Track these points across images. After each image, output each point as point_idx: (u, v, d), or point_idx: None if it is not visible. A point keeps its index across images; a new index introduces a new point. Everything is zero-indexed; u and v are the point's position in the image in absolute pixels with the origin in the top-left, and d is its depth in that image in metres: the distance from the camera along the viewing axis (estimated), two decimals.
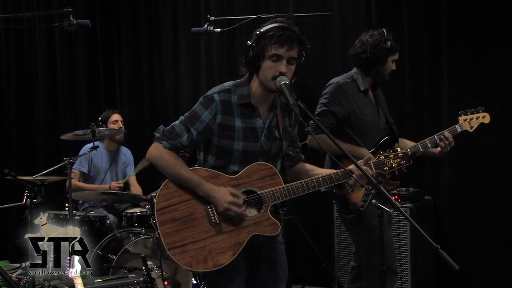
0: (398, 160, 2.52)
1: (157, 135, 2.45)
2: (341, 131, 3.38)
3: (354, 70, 3.48)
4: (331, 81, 3.48)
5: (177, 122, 2.45)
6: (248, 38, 2.39)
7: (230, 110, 2.40)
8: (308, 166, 2.66)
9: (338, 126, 3.37)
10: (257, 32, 2.35)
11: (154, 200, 2.41)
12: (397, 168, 2.52)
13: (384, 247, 3.23)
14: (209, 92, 2.43)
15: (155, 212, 2.38)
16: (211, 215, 2.40)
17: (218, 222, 2.40)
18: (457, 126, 3.36)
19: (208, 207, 2.41)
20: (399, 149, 2.54)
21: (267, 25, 2.36)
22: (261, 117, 2.45)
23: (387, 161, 2.51)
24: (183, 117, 2.44)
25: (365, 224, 3.31)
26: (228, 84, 2.46)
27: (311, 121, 3.28)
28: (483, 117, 3.39)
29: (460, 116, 3.39)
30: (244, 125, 2.41)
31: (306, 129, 3.14)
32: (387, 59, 3.38)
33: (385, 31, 3.38)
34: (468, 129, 3.38)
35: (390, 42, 3.34)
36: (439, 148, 3.33)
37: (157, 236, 2.39)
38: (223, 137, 2.41)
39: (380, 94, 3.57)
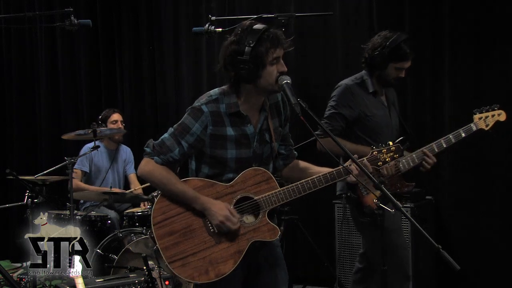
0: (391, 154, 2.49)
1: (148, 150, 2.43)
2: (352, 133, 3.30)
3: (363, 71, 3.40)
4: (339, 83, 3.39)
5: (166, 135, 2.42)
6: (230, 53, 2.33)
7: (220, 120, 2.38)
8: (303, 163, 2.65)
9: (349, 128, 3.30)
10: (248, 46, 2.28)
11: (156, 200, 2.41)
12: (391, 161, 2.50)
13: (399, 251, 3.21)
14: (196, 104, 2.40)
15: (152, 226, 2.36)
16: (209, 225, 2.39)
17: (216, 231, 2.39)
18: (472, 124, 3.28)
19: (205, 217, 2.40)
20: (390, 143, 2.52)
21: (249, 33, 2.31)
22: (251, 123, 2.43)
23: (380, 156, 2.48)
24: (173, 130, 2.41)
25: (380, 227, 3.22)
26: (214, 93, 2.42)
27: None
28: (499, 114, 3.31)
29: (475, 114, 3.31)
30: (235, 133, 2.40)
31: (316, 132, 3.16)
32: (387, 65, 3.25)
33: (394, 36, 3.23)
34: (484, 127, 3.30)
35: (390, 49, 3.20)
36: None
37: (156, 249, 2.37)
38: (215, 147, 2.39)
39: (391, 94, 3.48)
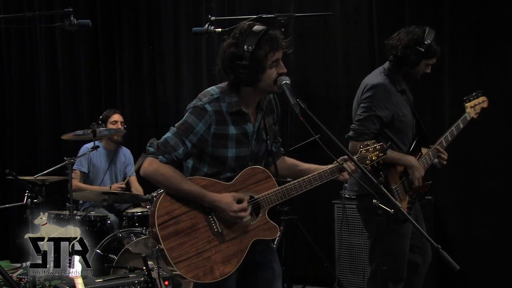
0: (377, 152, 2.55)
1: (151, 149, 2.39)
2: (382, 134, 3.22)
3: (388, 65, 3.28)
4: (372, 82, 3.22)
5: (170, 134, 2.39)
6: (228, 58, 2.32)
7: (223, 119, 2.37)
8: (290, 160, 2.67)
9: (381, 130, 3.21)
10: (247, 52, 2.26)
11: (159, 200, 2.39)
12: (376, 160, 2.55)
13: (401, 254, 3.22)
14: (199, 102, 2.37)
15: (156, 226, 2.33)
16: (213, 224, 2.39)
17: (220, 230, 2.39)
18: (466, 114, 3.37)
19: (209, 216, 2.39)
20: (372, 142, 2.57)
21: (247, 36, 2.28)
22: (251, 121, 2.43)
23: (367, 155, 2.54)
24: (176, 129, 2.39)
25: (396, 232, 3.17)
26: (214, 91, 2.40)
27: (353, 125, 3.20)
28: (483, 101, 3.43)
29: (466, 102, 3.38)
30: (237, 131, 2.40)
31: (349, 134, 3.17)
32: (420, 62, 3.18)
33: (426, 32, 3.16)
34: (474, 116, 3.39)
35: (426, 45, 3.13)
36: (436, 160, 3.34)
37: (160, 249, 2.36)
38: (217, 146, 2.39)
39: (409, 92, 3.42)
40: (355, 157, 2.49)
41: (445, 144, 3.31)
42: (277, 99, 2.59)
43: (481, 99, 3.43)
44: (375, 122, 3.17)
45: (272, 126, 2.55)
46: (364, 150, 2.54)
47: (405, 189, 3.23)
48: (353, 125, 3.22)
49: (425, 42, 3.14)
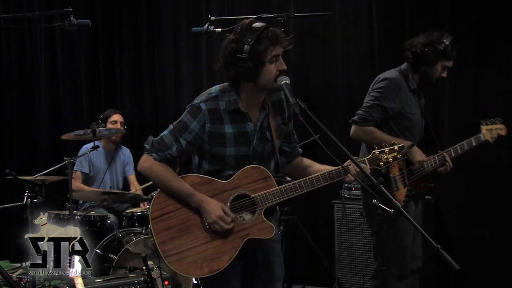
0: (394, 154, 2.48)
1: (147, 146, 2.47)
2: (386, 127, 3.33)
3: (405, 65, 3.41)
4: (385, 76, 3.37)
5: (166, 132, 2.45)
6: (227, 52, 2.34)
7: (219, 118, 2.39)
8: (307, 161, 2.65)
9: (386, 122, 3.32)
10: (247, 45, 2.28)
11: (154, 196, 2.44)
12: (393, 162, 2.49)
13: (402, 250, 3.28)
14: (196, 101, 2.42)
15: (150, 221, 2.41)
16: (205, 221, 2.41)
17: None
18: (481, 135, 3.46)
19: None
20: (395, 142, 2.52)
21: (248, 31, 2.31)
22: (252, 120, 2.43)
23: (382, 156, 2.47)
24: (172, 127, 2.44)
25: (394, 227, 3.21)
26: (214, 90, 2.43)
27: (358, 111, 3.31)
28: (501, 129, 3.50)
29: (482, 125, 3.47)
30: (234, 130, 2.40)
31: (354, 118, 3.27)
32: (437, 62, 3.31)
33: (444, 34, 3.33)
34: (489, 139, 3.48)
35: (444, 46, 3.28)
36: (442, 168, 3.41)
37: (153, 242, 2.44)
38: (214, 145, 2.41)
39: (422, 97, 3.51)
40: (367, 158, 2.47)
41: (453, 155, 3.40)
42: None
43: (499, 125, 3.50)
44: (379, 112, 3.29)
45: (281, 126, 2.53)
46: (378, 151, 2.47)
47: (403, 182, 3.28)
48: (359, 110, 3.32)
49: (444, 41, 3.28)
